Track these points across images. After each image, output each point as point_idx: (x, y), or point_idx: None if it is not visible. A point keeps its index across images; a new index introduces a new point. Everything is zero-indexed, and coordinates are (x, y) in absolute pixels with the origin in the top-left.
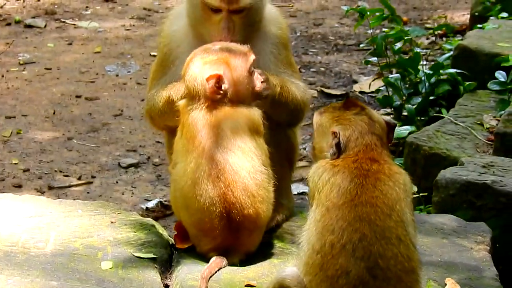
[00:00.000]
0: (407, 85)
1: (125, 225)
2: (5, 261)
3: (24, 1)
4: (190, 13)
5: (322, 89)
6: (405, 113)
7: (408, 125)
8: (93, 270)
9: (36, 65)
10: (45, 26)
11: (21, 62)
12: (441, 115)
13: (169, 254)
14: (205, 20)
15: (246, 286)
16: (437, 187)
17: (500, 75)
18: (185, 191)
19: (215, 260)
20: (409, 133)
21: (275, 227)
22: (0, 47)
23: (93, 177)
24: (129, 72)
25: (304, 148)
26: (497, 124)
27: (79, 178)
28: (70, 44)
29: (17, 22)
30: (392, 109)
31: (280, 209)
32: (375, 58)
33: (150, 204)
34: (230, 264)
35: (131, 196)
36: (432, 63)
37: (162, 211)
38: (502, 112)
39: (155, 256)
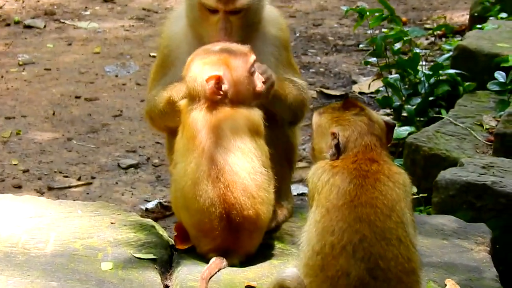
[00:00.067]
0: (406, 86)
1: (125, 226)
2: (5, 262)
3: (23, 2)
4: (188, 14)
5: (322, 89)
6: (404, 114)
7: (407, 125)
8: (93, 271)
9: (36, 65)
10: (45, 26)
11: (21, 63)
12: (441, 115)
13: (169, 255)
14: (203, 21)
15: (246, 287)
16: (437, 188)
17: (500, 76)
18: (185, 192)
19: (215, 261)
20: (409, 134)
21: (275, 228)
22: None
23: (92, 178)
24: (128, 72)
25: (304, 149)
26: (496, 125)
27: (79, 179)
28: (70, 44)
29: (17, 22)
30: (392, 110)
31: (280, 210)
32: (375, 59)
33: (150, 205)
34: (230, 265)
35: (131, 197)
36: (432, 63)
37: (162, 212)
38: (502, 112)
39: (155, 257)
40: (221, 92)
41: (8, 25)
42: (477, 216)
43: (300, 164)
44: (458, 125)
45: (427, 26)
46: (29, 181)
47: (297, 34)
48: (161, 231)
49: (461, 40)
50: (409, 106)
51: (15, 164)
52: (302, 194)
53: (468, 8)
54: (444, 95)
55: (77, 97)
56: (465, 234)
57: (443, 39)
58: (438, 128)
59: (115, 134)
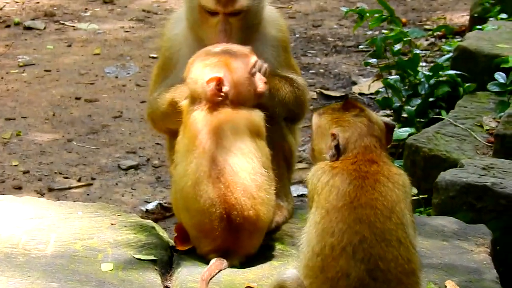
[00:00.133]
0: (406, 87)
1: (125, 227)
2: (5, 263)
3: (23, 3)
4: (188, 16)
5: (321, 90)
6: (404, 115)
7: (407, 126)
8: (93, 272)
9: (36, 67)
10: (45, 28)
11: (21, 64)
12: (441, 116)
13: (169, 256)
14: (202, 23)
15: None
16: (437, 189)
17: (500, 77)
18: (185, 192)
19: (215, 262)
20: (409, 135)
21: (275, 229)
22: None
23: (93, 179)
24: (128, 74)
25: (304, 150)
26: (497, 126)
27: (79, 180)
28: (70, 46)
29: (17, 24)
30: (392, 111)
31: (279, 211)
32: (375, 60)
33: (150, 206)
34: (230, 266)
35: (131, 198)
36: (432, 64)
37: (162, 213)
38: (502, 113)
39: (155, 258)
40: (222, 94)
41: (8, 26)
42: (477, 217)
43: (300, 165)
44: (458, 126)
45: (427, 27)
46: (29, 182)
47: (297, 35)
48: (161, 232)
49: (461, 41)
50: (409, 107)
51: (15, 165)
52: (302, 195)
53: (468, 9)
54: (444, 96)
55: (77, 98)
56: (465, 236)
57: (443, 40)
58: (438, 129)
59: (115, 135)
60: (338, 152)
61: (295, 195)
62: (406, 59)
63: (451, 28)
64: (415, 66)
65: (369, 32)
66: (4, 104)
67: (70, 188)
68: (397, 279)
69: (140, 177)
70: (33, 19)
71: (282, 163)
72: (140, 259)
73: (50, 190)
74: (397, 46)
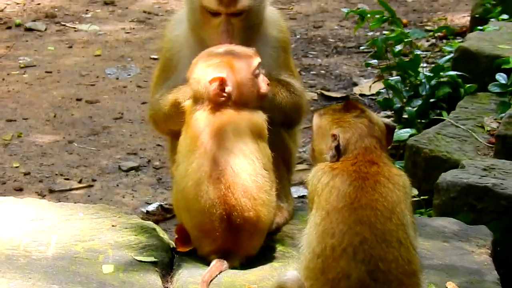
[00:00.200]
0: (407, 88)
1: (126, 228)
2: (6, 265)
3: (24, 5)
4: (190, 17)
5: (322, 91)
6: (405, 116)
7: (408, 127)
8: (94, 274)
9: (37, 68)
10: (46, 29)
11: (22, 66)
12: (442, 117)
13: (170, 257)
14: (204, 24)
15: None
16: (438, 190)
17: (501, 77)
18: (186, 192)
19: (216, 264)
20: (410, 136)
21: (276, 230)
22: (0, 50)
23: (93, 180)
24: (129, 75)
25: (304, 151)
26: (498, 127)
27: (80, 182)
28: (71, 47)
29: (18, 25)
30: (393, 112)
31: (280, 212)
32: (375, 61)
33: (151, 208)
34: (231, 267)
35: (132, 200)
36: (433, 65)
37: (163, 215)
38: (503, 114)
39: (156, 259)
40: (225, 94)
41: (9, 28)
42: (478, 218)
43: (300, 167)
44: (459, 127)
45: (428, 28)
46: (30, 183)
47: (298, 36)
48: (162, 233)
49: (462, 41)
50: (410, 108)
51: (16, 167)
52: (303, 197)
53: (469, 10)
54: (445, 97)
55: (78, 100)
56: (466, 237)
57: (444, 41)
58: (439, 130)
59: (116, 137)
60: (339, 153)
61: (295, 196)
62: (407, 60)
63: (452, 29)
64: (416, 67)
65: (370, 33)
66: (5, 105)
67: (71, 189)
68: (397, 280)
69: (141, 178)
70: (34, 21)
71: (282, 165)
72: (141, 261)
73: (51, 191)
74: (398, 47)
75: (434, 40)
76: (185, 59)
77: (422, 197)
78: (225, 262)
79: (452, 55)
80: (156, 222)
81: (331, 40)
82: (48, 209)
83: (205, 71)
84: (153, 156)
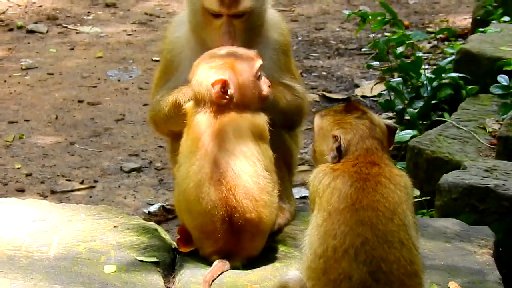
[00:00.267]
0: (409, 89)
1: (128, 229)
2: (8, 265)
3: (26, 7)
4: (191, 19)
5: (324, 93)
6: (407, 117)
7: (410, 129)
8: (96, 274)
9: (38, 70)
10: (47, 31)
11: (24, 67)
12: (443, 119)
13: (172, 258)
14: (206, 26)
15: None
16: (440, 191)
17: (503, 79)
18: (188, 194)
19: (218, 264)
20: (411, 137)
21: (277, 231)
22: (2, 52)
23: (95, 181)
24: (131, 77)
25: (306, 152)
26: (499, 128)
27: (82, 183)
28: (72, 49)
29: (19, 27)
30: (394, 113)
31: (282, 213)
32: (377, 62)
33: (152, 208)
34: (233, 267)
35: (133, 201)
36: (434, 67)
37: (164, 215)
38: (505, 116)
39: (158, 260)
40: (227, 96)
41: (11, 30)
42: (480, 219)
43: (302, 168)
44: (461, 129)
45: (430, 29)
46: (32, 184)
47: (299, 38)
48: (164, 234)
49: (463, 43)
50: (411, 109)
51: (18, 168)
52: (304, 197)
53: (470, 12)
54: (446, 98)
55: (80, 101)
56: (468, 237)
57: (446, 42)
58: (441, 132)
59: (117, 138)
60: (340, 154)
61: (297, 197)
62: (409, 61)
63: (453, 31)
64: (418, 69)
65: (372, 35)
66: (7, 107)
67: (72, 190)
68: (399, 280)
69: (142, 179)
70: (36, 23)
71: (283, 166)
72: (142, 261)
73: (53, 192)
74: (400, 49)
75: (435, 42)
76: (186, 60)
77: (424, 198)
78: (227, 262)
79: (453, 57)
80: (158, 223)
81: (332, 42)
82: (50, 210)
83: (207, 73)
84: (155, 157)
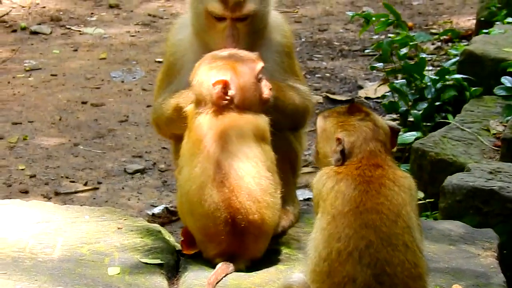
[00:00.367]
0: (412, 91)
1: (132, 231)
2: (12, 267)
3: (29, 8)
4: (194, 22)
5: (327, 94)
6: (411, 119)
7: (414, 131)
8: (100, 276)
9: (42, 71)
10: (51, 32)
11: (27, 69)
12: (447, 120)
13: (175, 260)
14: (209, 29)
15: None
16: (444, 193)
17: (507, 81)
18: (190, 196)
19: (221, 266)
20: (415, 139)
21: (281, 233)
22: (6, 53)
23: (99, 183)
24: (134, 78)
25: (309, 154)
26: (503, 130)
27: (85, 184)
28: (76, 50)
29: (23, 28)
30: (398, 115)
31: (285, 215)
32: (381, 64)
33: (156, 210)
34: (237, 270)
35: (137, 202)
36: (438, 68)
37: (168, 217)
38: (509, 117)
39: (162, 262)
40: (228, 97)
41: (15, 31)
42: (484, 221)
43: (306, 170)
44: (465, 130)
45: (433, 31)
46: (36, 186)
47: (303, 39)
48: (168, 236)
49: (467, 45)
50: (415, 111)
51: (22, 169)
52: (308, 199)
53: (474, 13)
54: (450, 100)
55: (83, 103)
56: (472, 240)
57: (449, 44)
58: (445, 133)
59: (121, 140)
60: (344, 156)
61: (301, 199)
62: (413, 63)
63: (457, 32)
64: (422, 70)
65: (375, 36)
66: (10, 108)
67: (76, 192)
68: (403, 283)
69: (146, 181)
70: (39, 24)
71: (288, 168)
72: (146, 263)
73: (57, 194)
74: (403, 50)
75: (439, 43)
76: (189, 63)
77: (428, 200)
78: (231, 264)
79: (457, 58)
80: (162, 224)
81: (336, 43)
82: (54, 211)
83: (208, 74)
84: (159, 158)
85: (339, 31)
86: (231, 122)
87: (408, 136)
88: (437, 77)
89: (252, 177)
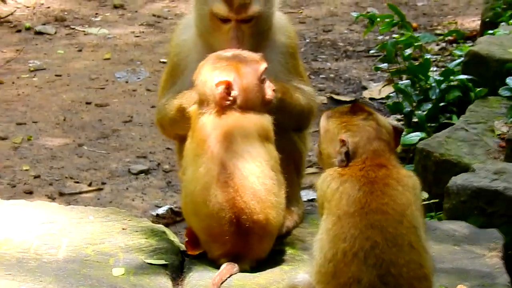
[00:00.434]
0: (417, 92)
1: (137, 231)
2: (17, 267)
3: (34, 8)
4: (198, 23)
5: (332, 95)
6: (415, 120)
7: (418, 131)
8: (104, 277)
9: (46, 71)
10: (55, 33)
11: (32, 69)
12: (452, 121)
13: (180, 260)
14: (213, 30)
15: None
16: (448, 193)
17: (511, 81)
18: (195, 197)
19: (226, 267)
20: (420, 140)
21: (286, 234)
22: (10, 54)
23: (103, 183)
24: (138, 78)
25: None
26: (508, 131)
27: (90, 185)
28: (80, 50)
29: (27, 29)
30: (402, 116)
31: (290, 216)
32: (385, 65)
33: (161, 211)
34: (241, 270)
35: (141, 203)
36: (443, 69)
37: (173, 218)
38: None
39: (166, 262)
40: (230, 98)
41: (19, 31)
42: (488, 221)
43: (310, 170)
44: (470, 131)
45: (438, 31)
46: (40, 186)
47: (307, 40)
48: (172, 236)
49: (472, 45)
50: (420, 112)
51: (26, 170)
52: (312, 200)
53: (479, 14)
54: (455, 100)
55: (88, 103)
56: (477, 240)
57: (454, 44)
58: (449, 134)
59: (125, 140)
60: (348, 158)
61: (305, 199)
62: (417, 64)
63: (462, 33)
64: (426, 71)
65: (380, 37)
66: (15, 108)
67: (80, 192)
68: (408, 284)
69: (150, 181)
70: (44, 24)
71: (292, 168)
72: (151, 264)
73: (61, 194)
74: (408, 51)
75: (444, 44)
76: (193, 64)
77: (432, 201)
78: (236, 265)
79: (462, 59)
80: (166, 225)
81: (340, 44)
82: (59, 212)
83: (211, 74)
84: (163, 159)
85: (344, 31)
86: (235, 122)
87: (413, 137)
88: (441, 78)
89: (256, 177)
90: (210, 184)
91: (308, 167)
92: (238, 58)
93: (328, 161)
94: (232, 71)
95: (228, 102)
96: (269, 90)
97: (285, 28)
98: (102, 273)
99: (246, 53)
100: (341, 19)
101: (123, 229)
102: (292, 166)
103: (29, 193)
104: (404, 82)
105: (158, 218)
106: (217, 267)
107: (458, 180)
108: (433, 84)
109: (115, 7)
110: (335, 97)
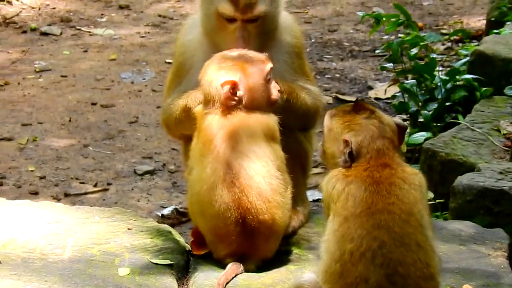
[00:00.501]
0: (423, 91)
1: (142, 231)
2: (23, 267)
3: (39, 9)
4: (204, 23)
5: (337, 95)
6: (421, 119)
7: (424, 131)
8: (110, 276)
9: (52, 72)
10: (61, 33)
11: (37, 70)
12: (458, 121)
13: (185, 260)
14: (219, 30)
15: None
16: (454, 193)
17: None
18: (201, 197)
19: (232, 267)
20: (425, 140)
21: (291, 234)
22: (16, 54)
23: (109, 184)
24: (144, 79)
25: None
26: None
27: (95, 185)
28: (86, 51)
29: (33, 29)
30: (408, 115)
31: (295, 216)
32: (391, 64)
33: (166, 211)
34: (247, 270)
35: (147, 203)
36: (448, 69)
37: (178, 218)
38: None
39: (172, 262)
40: (236, 98)
41: (25, 32)
42: (494, 221)
43: (316, 170)
44: (475, 131)
45: (444, 31)
46: (46, 187)
47: (313, 40)
48: (178, 236)
49: (477, 45)
50: (425, 111)
51: (32, 171)
52: (318, 200)
53: (484, 13)
54: (460, 100)
55: (93, 104)
56: (482, 240)
57: (460, 44)
58: (455, 134)
59: (131, 141)
60: (352, 158)
61: (311, 199)
62: (423, 63)
63: (467, 32)
64: (432, 71)
65: (386, 37)
66: (20, 109)
67: (86, 193)
68: (415, 283)
69: (156, 182)
70: (50, 25)
71: (298, 168)
72: (157, 264)
73: (66, 195)
74: (414, 51)
75: (449, 44)
76: (198, 64)
77: (438, 201)
78: (241, 265)
79: (468, 58)
80: (172, 226)
81: (346, 43)
82: (64, 212)
83: (217, 74)
84: (168, 160)
85: (349, 31)
86: (241, 122)
87: (418, 137)
88: (447, 78)
89: (262, 176)
90: (216, 184)
91: (314, 167)
92: (244, 58)
93: (332, 160)
94: (238, 71)
95: (234, 102)
96: (275, 90)
97: (291, 28)
98: (108, 273)
99: (252, 53)
100: (347, 19)
101: (129, 229)
102: (298, 166)
103: (34, 193)
104: (410, 81)
105: (163, 219)
106: (223, 267)
107: (464, 179)
108: (439, 84)
109: (121, 7)
110: (341, 97)
